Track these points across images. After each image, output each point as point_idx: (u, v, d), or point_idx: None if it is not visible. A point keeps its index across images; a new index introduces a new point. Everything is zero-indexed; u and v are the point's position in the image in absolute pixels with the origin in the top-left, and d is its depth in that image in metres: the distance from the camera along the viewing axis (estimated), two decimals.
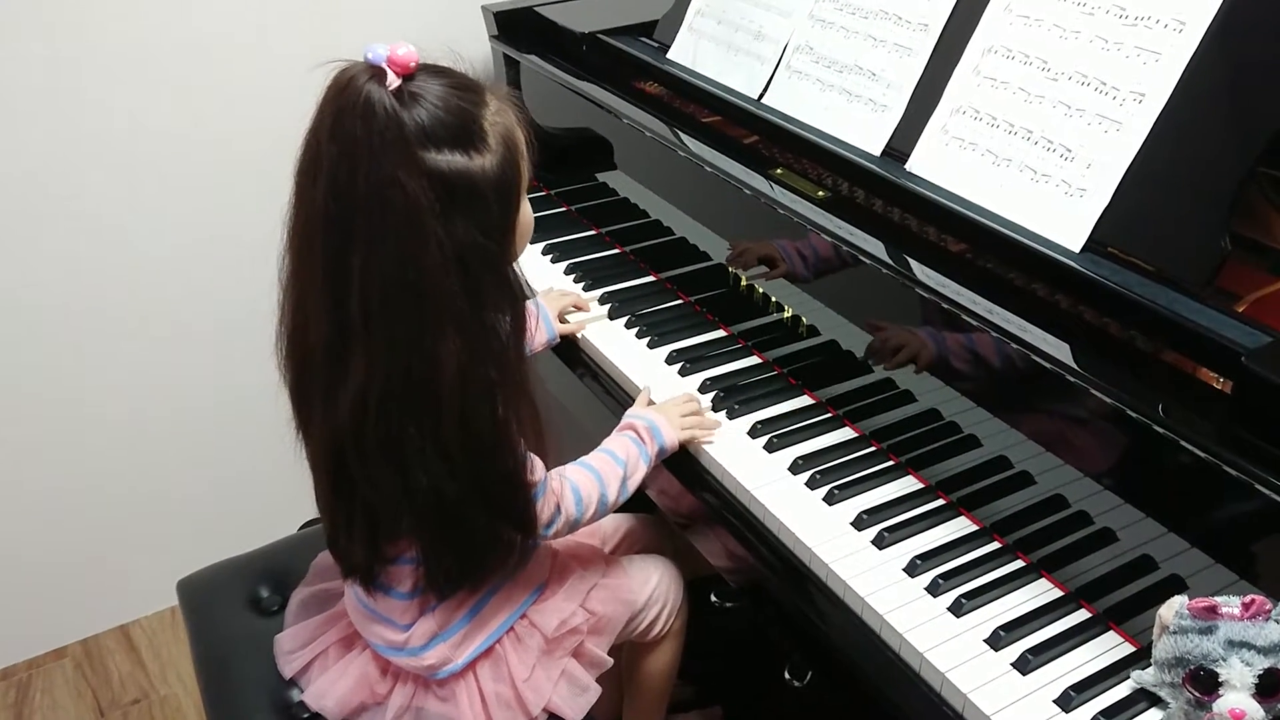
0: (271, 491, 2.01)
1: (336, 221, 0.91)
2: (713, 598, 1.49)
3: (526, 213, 1.03)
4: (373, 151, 0.88)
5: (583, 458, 1.20)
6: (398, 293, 0.91)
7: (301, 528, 1.57)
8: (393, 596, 1.12)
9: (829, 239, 1.22)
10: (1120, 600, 1.01)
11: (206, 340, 1.93)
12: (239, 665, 1.28)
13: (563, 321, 1.49)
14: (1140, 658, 0.97)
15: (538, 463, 1.09)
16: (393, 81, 0.89)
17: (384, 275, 0.91)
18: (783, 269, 1.33)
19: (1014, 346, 1.03)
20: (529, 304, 1.42)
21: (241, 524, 1.89)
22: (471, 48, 1.06)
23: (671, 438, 1.23)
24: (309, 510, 1.20)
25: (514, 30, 1.80)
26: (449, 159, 0.91)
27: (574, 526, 1.16)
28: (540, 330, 1.44)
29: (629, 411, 1.28)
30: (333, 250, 0.92)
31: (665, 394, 1.32)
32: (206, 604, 1.36)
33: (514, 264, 1.02)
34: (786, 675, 1.37)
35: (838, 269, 1.24)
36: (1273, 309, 1.00)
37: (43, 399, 1.83)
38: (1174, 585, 0.96)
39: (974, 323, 1.06)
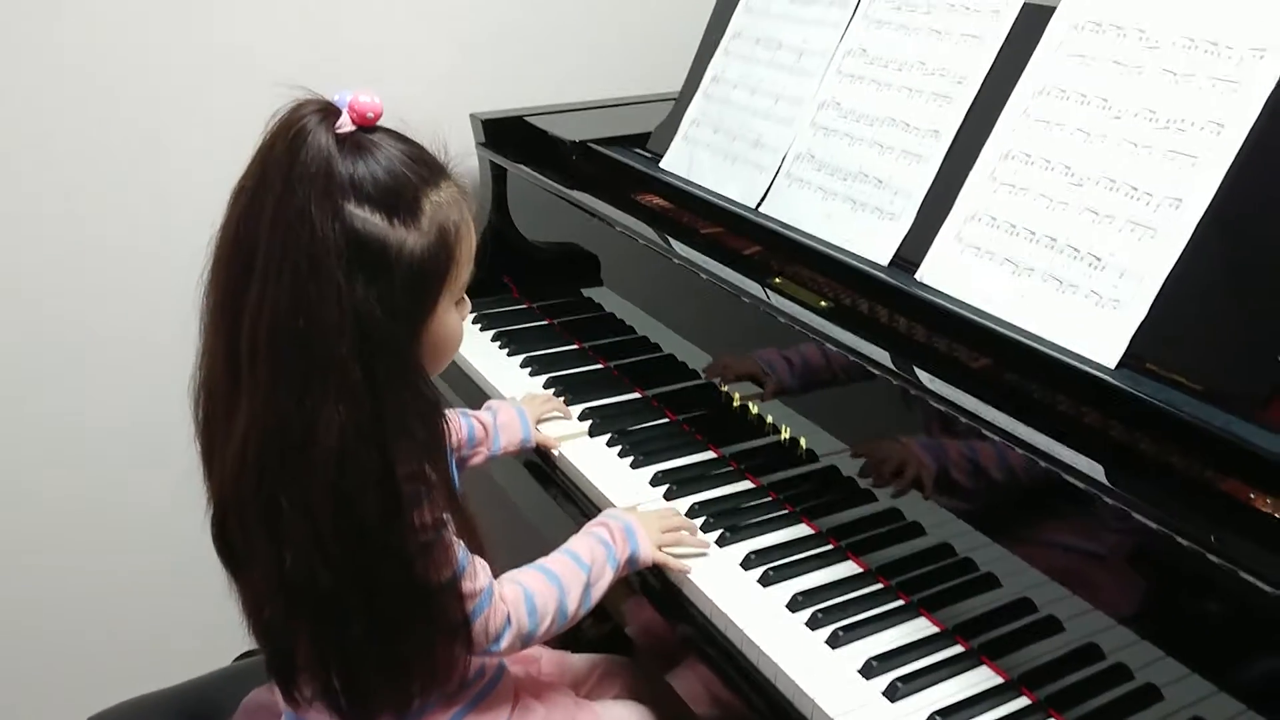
0: (204, 617, 1.85)
1: (243, 246, 0.87)
2: None
3: (446, 324, 0.94)
4: (290, 181, 0.84)
5: (541, 560, 1.09)
6: (286, 336, 0.85)
7: (237, 659, 1.42)
8: (317, 711, 0.98)
9: (834, 348, 1.13)
10: None
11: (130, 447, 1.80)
12: None
13: (540, 425, 1.39)
14: None
15: (481, 568, 0.99)
16: (344, 125, 0.87)
17: (276, 312, 0.85)
18: (771, 385, 1.25)
19: (1042, 466, 0.93)
20: (505, 405, 1.35)
21: (166, 654, 1.71)
22: (457, 155, 1.00)
23: (647, 548, 1.13)
24: (246, 640, 1.06)
25: (502, 138, 1.77)
26: (366, 216, 0.86)
27: (528, 641, 1.05)
28: (515, 429, 1.35)
29: (605, 510, 1.19)
30: (234, 276, 0.87)
31: None
32: None
33: (425, 373, 0.93)
34: None
35: (826, 379, 1.17)
36: None
37: None
38: None
39: (997, 439, 0.97)
